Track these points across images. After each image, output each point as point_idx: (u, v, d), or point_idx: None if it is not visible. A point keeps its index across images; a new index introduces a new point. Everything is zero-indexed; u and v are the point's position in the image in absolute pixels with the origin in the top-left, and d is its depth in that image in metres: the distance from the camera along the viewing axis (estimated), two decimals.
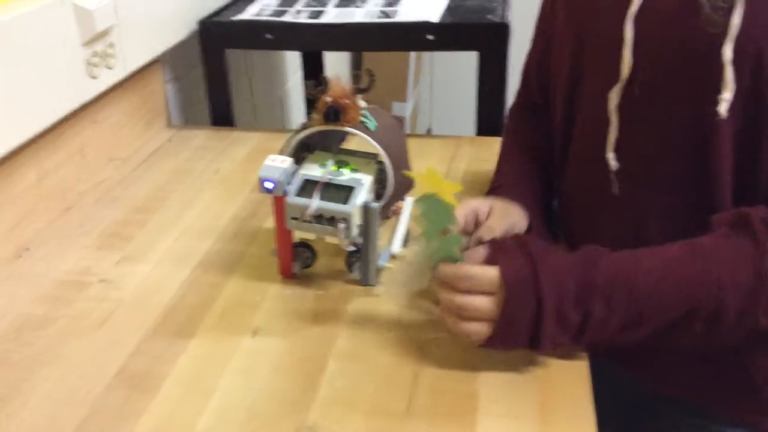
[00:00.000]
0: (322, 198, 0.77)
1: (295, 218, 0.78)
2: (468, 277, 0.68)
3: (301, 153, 0.85)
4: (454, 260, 0.69)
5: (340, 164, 0.82)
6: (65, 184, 1.03)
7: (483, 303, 0.67)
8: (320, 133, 0.82)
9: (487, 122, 1.24)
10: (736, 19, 0.63)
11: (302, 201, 0.77)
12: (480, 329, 0.68)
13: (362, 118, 0.81)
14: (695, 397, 0.81)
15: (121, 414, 0.67)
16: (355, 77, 0.81)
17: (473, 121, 1.25)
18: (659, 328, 0.66)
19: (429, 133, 3.21)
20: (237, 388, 0.69)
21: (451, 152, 1.14)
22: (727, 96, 0.65)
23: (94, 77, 1.04)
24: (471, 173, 1.08)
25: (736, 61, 0.64)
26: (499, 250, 0.70)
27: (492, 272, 0.67)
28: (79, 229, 0.98)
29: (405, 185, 0.86)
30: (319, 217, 0.77)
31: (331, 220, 0.76)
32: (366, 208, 0.77)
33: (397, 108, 2.68)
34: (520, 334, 0.67)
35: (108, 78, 1.08)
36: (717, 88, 0.66)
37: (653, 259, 0.67)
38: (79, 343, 0.76)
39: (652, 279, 0.66)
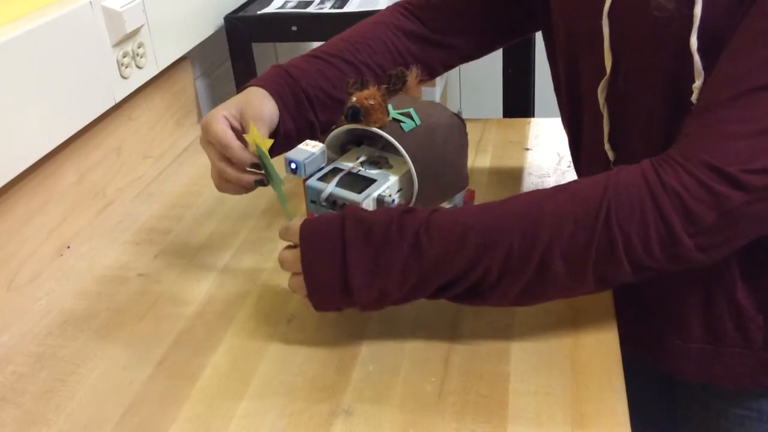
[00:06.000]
0: (343, 186, 0.78)
1: (313, 202, 0.79)
2: (285, 230, 0.72)
3: (347, 146, 0.86)
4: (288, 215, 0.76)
5: (378, 160, 0.82)
6: (103, 181, 1.06)
7: (288, 255, 0.71)
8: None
9: (514, 104, 1.24)
10: (698, 8, 0.63)
11: (318, 185, 0.78)
12: (296, 282, 0.70)
13: (401, 117, 0.80)
14: (705, 376, 0.82)
15: (163, 402, 0.69)
16: (388, 78, 0.82)
17: (500, 103, 1.25)
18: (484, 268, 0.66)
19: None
20: (274, 375, 0.71)
21: (478, 136, 1.14)
22: (698, 84, 0.65)
23: (125, 77, 1.06)
24: (498, 157, 1.09)
25: (703, 50, 0.64)
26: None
27: (299, 222, 0.70)
28: (118, 225, 1.01)
29: (444, 189, 0.84)
30: (334, 204, 0.78)
31: (343, 208, 0.77)
32: (380, 202, 0.77)
33: (427, 93, 2.67)
34: (328, 282, 0.68)
35: (139, 77, 1.10)
36: (690, 78, 0.66)
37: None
38: (122, 335, 0.79)
39: (474, 212, 0.68)
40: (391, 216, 0.68)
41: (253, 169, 0.78)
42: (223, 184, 0.80)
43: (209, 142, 0.79)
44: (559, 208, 0.65)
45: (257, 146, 0.76)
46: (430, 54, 0.87)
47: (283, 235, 0.73)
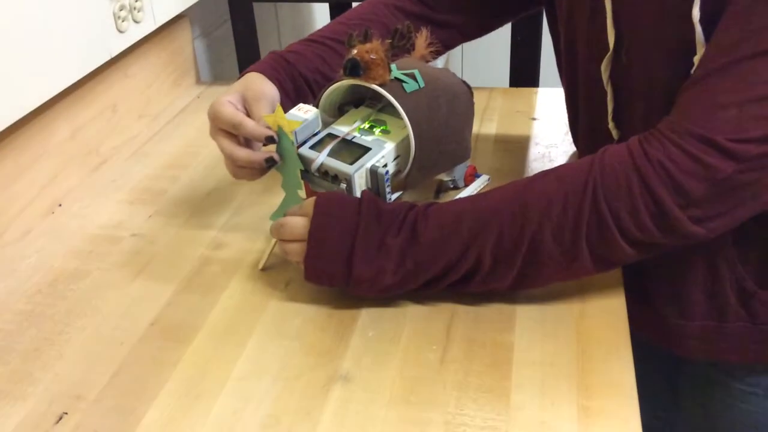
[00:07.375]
0: (336, 155, 0.75)
1: (305, 171, 0.76)
2: (299, 207, 0.73)
3: (345, 107, 0.82)
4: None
5: (375, 123, 0.79)
6: (97, 139, 1.02)
7: (298, 221, 0.71)
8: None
9: (521, 72, 1.21)
10: None
11: (310, 154, 0.75)
12: (295, 247, 0.71)
13: (404, 78, 0.76)
14: (710, 353, 0.81)
15: (155, 363, 0.67)
16: (393, 32, 0.78)
17: (506, 72, 1.22)
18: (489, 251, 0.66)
19: None
20: (270, 338, 0.69)
21: (483, 104, 1.11)
22: (699, 57, 0.63)
23: (122, 31, 1.03)
24: (504, 126, 1.06)
25: (706, 21, 0.62)
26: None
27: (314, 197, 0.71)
28: (111, 184, 0.98)
29: (443, 158, 0.81)
30: (326, 174, 0.75)
31: (335, 179, 0.74)
32: (373, 173, 0.75)
33: None
34: (334, 250, 0.68)
35: (136, 32, 1.07)
36: (693, 50, 0.64)
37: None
38: (113, 295, 0.77)
39: (477, 200, 0.69)
40: (400, 207, 0.69)
41: (266, 146, 0.76)
42: (237, 169, 0.78)
43: (219, 129, 0.77)
44: (546, 190, 0.65)
45: (279, 128, 0.74)
46: (432, 34, 0.85)
47: (293, 212, 0.73)
